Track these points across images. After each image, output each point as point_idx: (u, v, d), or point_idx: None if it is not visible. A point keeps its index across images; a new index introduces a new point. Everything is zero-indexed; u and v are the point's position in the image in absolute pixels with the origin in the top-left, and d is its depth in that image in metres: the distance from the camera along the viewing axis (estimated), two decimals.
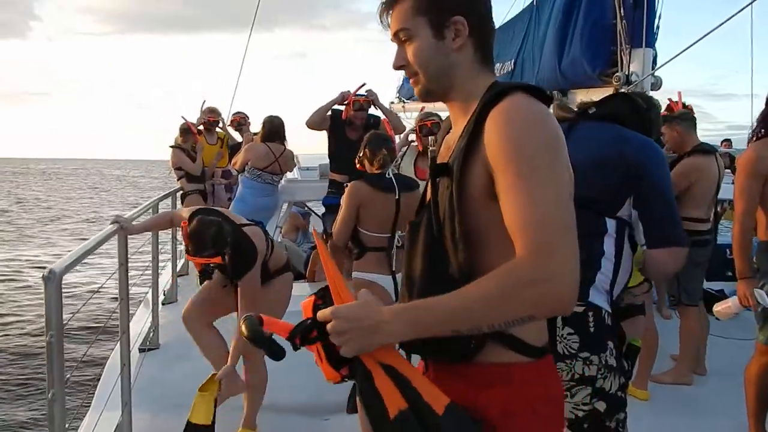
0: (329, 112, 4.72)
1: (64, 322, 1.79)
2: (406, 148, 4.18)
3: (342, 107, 4.71)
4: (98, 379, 3.26)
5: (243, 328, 1.08)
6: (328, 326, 0.99)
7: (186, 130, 5.76)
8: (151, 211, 3.80)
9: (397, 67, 1.16)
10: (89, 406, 2.94)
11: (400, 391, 0.99)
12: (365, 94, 4.71)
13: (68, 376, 1.77)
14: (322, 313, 1.01)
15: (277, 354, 1.12)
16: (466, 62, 1.12)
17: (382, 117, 4.95)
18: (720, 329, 3.58)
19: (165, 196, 5.09)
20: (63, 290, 1.78)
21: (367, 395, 1.01)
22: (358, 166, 3.04)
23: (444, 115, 4.82)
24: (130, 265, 2.87)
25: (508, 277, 0.94)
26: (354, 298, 1.04)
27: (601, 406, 1.64)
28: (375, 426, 1.01)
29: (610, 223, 1.73)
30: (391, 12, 1.14)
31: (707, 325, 3.54)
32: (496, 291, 0.94)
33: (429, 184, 1.15)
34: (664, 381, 3.34)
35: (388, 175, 2.86)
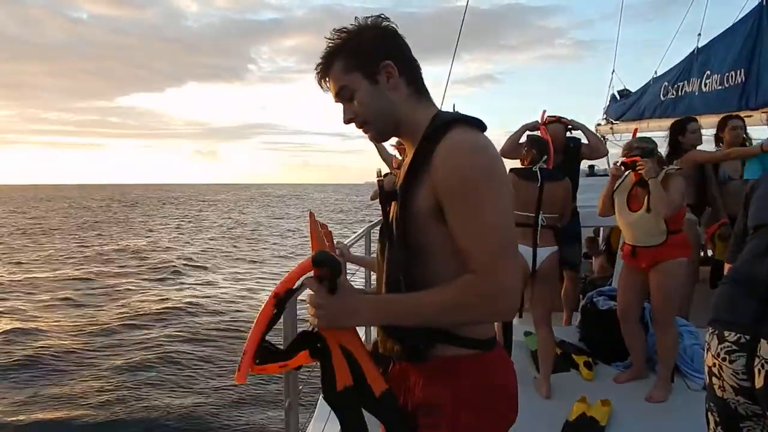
0: (523, 139, 4.64)
1: None
2: (620, 181, 3.66)
3: (537, 132, 4.59)
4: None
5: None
6: (308, 296, 1.19)
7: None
8: (364, 239, 4.10)
9: (347, 121, 1.32)
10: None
11: (350, 371, 1.23)
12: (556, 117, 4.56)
13: (301, 387, 1.99)
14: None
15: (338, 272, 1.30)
16: (403, 98, 1.29)
17: (583, 140, 4.68)
18: None
19: (375, 224, 5.44)
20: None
21: (324, 367, 1.25)
22: (519, 162, 3.62)
23: (653, 135, 4.35)
24: None
25: (460, 289, 1.14)
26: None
27: None
28: (325, 392, 1.25)
29: None
30: (327, 78, 1.31)
31: None
32: (448, 300, 1.14)
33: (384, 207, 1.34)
34: None
35: (534, 168, 3.46)
